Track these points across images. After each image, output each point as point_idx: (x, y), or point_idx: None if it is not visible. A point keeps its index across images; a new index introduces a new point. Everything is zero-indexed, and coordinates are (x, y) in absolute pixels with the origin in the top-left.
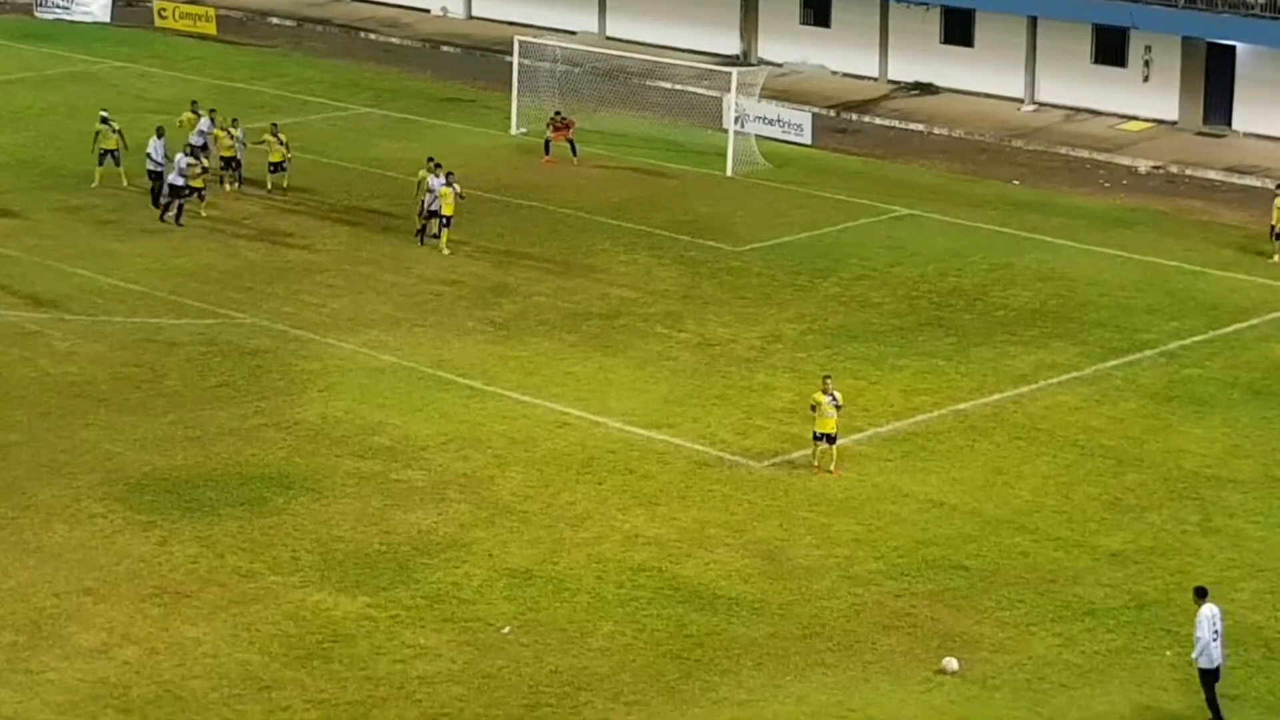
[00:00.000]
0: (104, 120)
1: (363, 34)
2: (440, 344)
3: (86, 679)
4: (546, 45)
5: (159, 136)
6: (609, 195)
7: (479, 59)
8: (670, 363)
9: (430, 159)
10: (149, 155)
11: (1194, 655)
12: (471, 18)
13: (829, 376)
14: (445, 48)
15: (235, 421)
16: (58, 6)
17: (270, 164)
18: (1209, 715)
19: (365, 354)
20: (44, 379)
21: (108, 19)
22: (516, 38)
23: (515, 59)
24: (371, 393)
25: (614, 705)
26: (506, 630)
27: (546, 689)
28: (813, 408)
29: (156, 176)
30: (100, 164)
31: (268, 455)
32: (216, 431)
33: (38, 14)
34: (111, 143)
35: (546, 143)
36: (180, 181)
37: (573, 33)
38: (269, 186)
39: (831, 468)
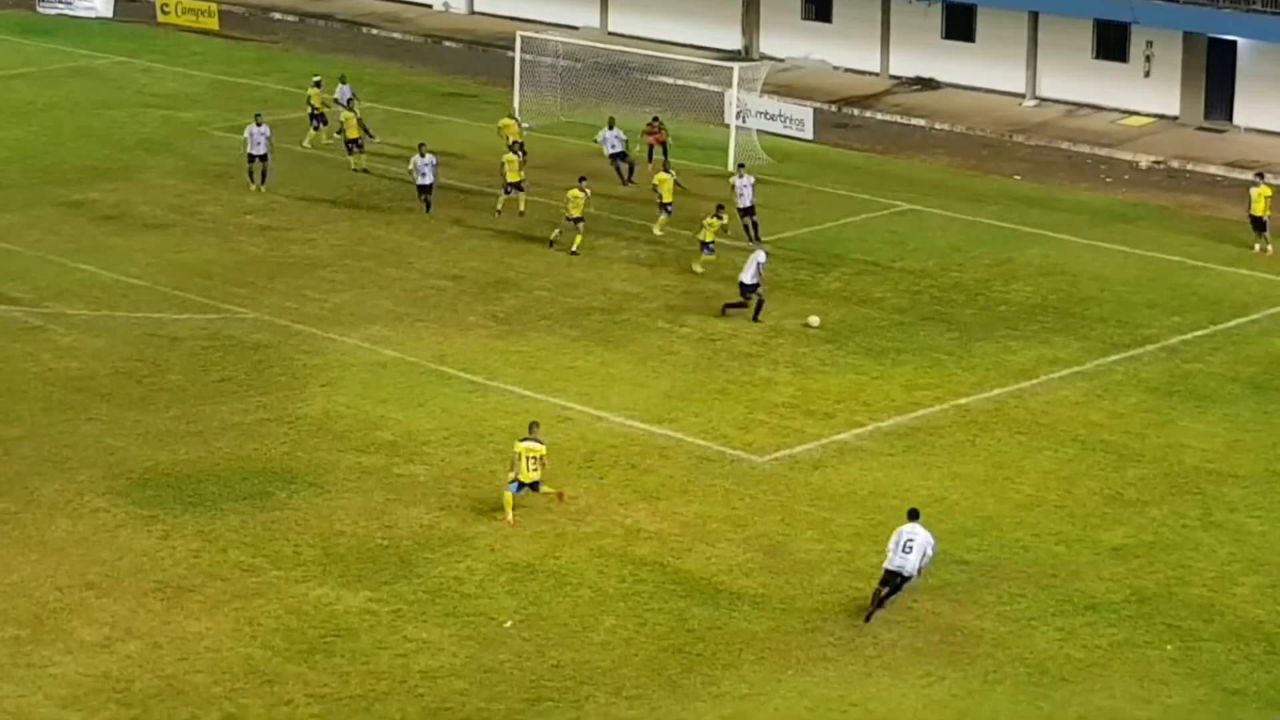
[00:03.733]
0: (316, 84)
1: (365, 29)
2: (442, 339)
3: (89, 673)
4: (548, 40)
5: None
6: (610, 190)
7: (481, 54)
8: (672, 357)
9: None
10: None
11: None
12: (473, 13)
13: (537, 423)
14: (447, 43)
15: (237, 416)
16: (60, 2)
17: (348, 140)
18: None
19: (367, 349)
20: (46, 374)
21: (110, 14)
22: (519, 33)
23: (517, 54)
24: (373, 387)
25: (616, 699)
26: (508, 625)
27: (548, 683)
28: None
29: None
30: (314, 128)
31: (270, 450)
32: (219, 426)
33: (40, 9)
34: (320, 103)
35: (650, 150)
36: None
37: (575, 28)
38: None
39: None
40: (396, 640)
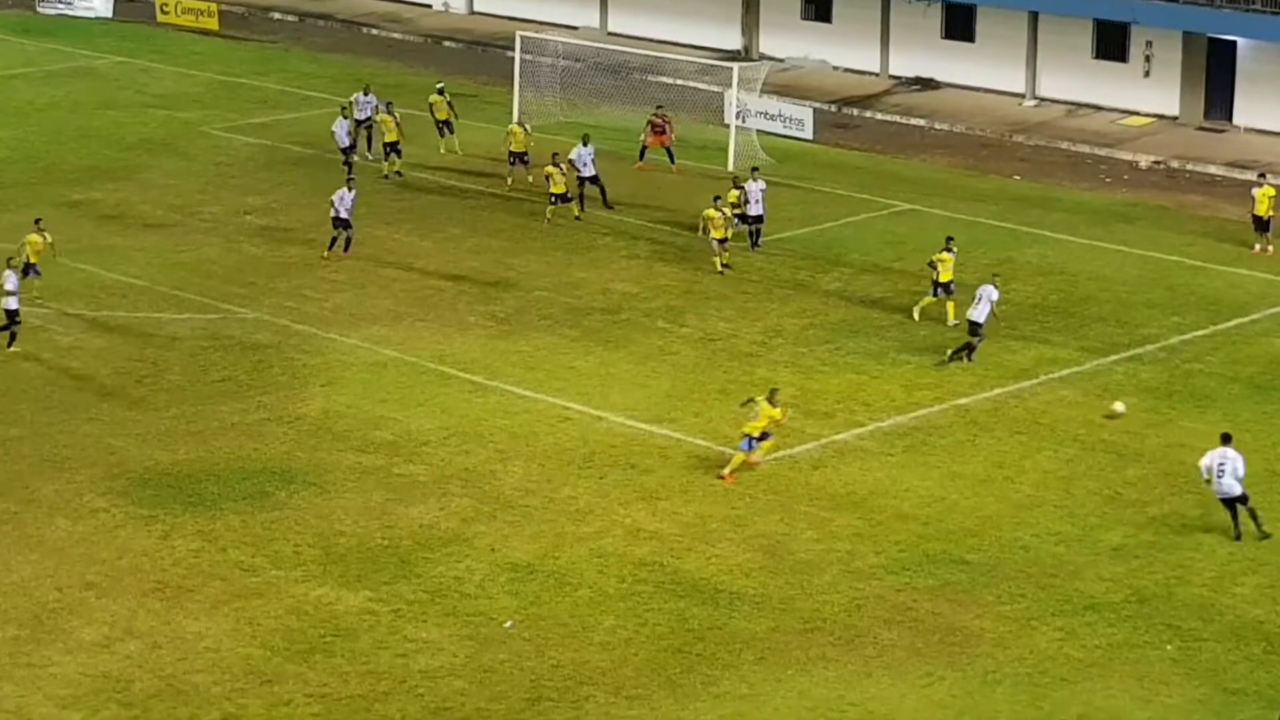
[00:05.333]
0: (439, 91)
1: (364, 29)
2: (442, 339)
3: (89, 673)
4: (548, 40)
5: (344, 116)
6: (611, 190)
7: (480, 54)
8: (672, 357)
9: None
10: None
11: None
12: (473, 13)
13: (777, 389)
14: (447, 43)
15: (237, 416)
16: (60, 2)
17: (385, 144)
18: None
19: (367, 349)
20: (46, 374)
21: (110, 14)
22: (518, 33)
23: (517, 54)
24: (373, 387)
25: (615, 699)
26: (508, 624)
27: (548, 683)
28: (750, 403)
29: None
30: (440, 135)
31: (270, 450)
32: (218, 426)
33: (40, 9)
34: (444, 114)
35: (642, 149)
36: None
37: (574, 28)
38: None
39: (725, 472)
40: (396, 640)
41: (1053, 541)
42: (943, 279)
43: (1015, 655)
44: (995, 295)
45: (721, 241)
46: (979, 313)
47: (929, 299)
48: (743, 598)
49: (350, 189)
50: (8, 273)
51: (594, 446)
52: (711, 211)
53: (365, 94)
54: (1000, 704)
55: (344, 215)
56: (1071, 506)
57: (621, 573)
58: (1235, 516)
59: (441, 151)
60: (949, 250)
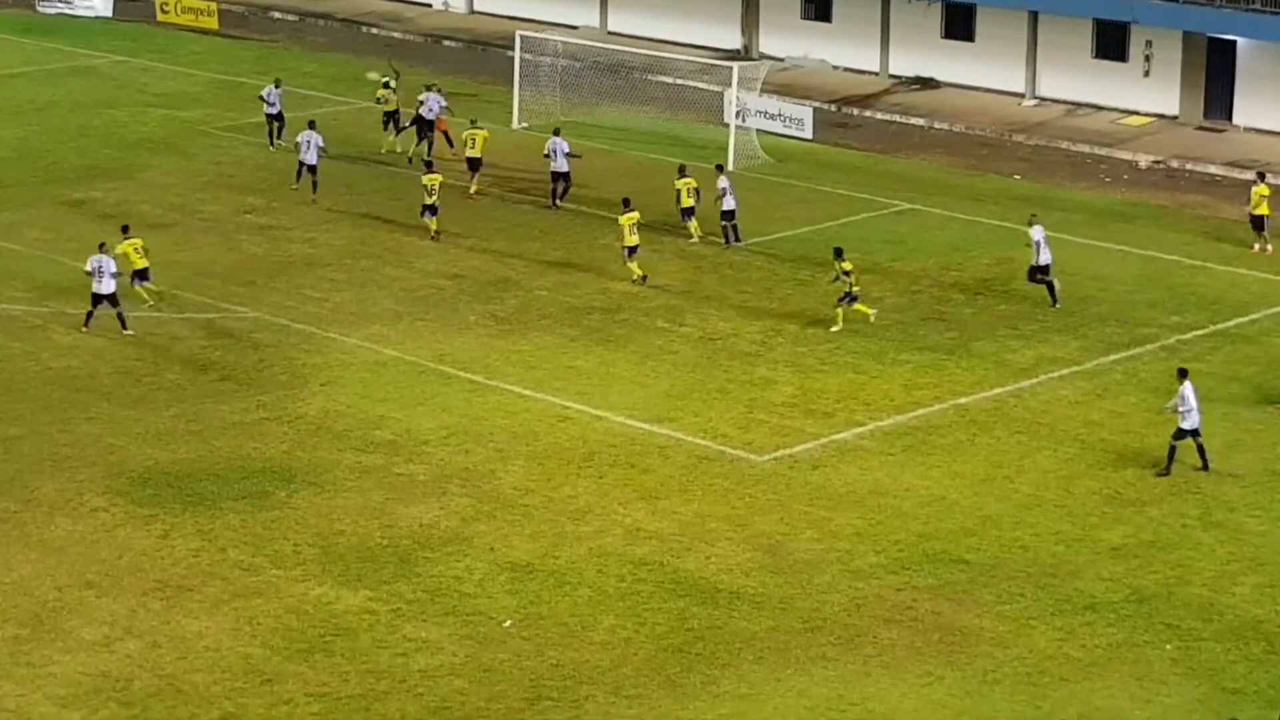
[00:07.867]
0: (385, 85)
1: (364, 28)
2: (442, 338)
3: (88, 672)
4: (548, 40)
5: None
6: (610, 189)
7: (480, 54)
8: (671, 357)
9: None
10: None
11: (1167, 407)
12: (473, 12)
13: None
14: (447, 42)
15: (237, 415)
16: (60, 1)
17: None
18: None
19: (367, 348)
20: (46, 373)
21: (110, 13)
22: (518, 32)
23: (517, 54)
24: (373, 387)
25: (615, 699)
26: (508, 624)
27: (548, 682)
28: None
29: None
30: (384, 128)
31: (269, 449)
32: (218, 425)
33: (40, 8)
34: (393, 105)
35: (446, 138)
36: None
37: (574, 27)
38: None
39: None
40: (396, 639)
41: (1052, 541)
42: (629, 244)
43: (1014, 655)
44: (1040, 235)
45: (632, 251)
46: (1042, 256)
47: (859, 307)
48: (742, 597)
49: (313, 128)
50: (100, 258)
51: (594, 446)
52: (631, 216)
53: (276, 87)
54: (999, 704)
55: (314, 160)
56: (1071, 506)
57: (621, 572)
58: (1198, 450)
59: (383, 151)
60: (840, 258)
